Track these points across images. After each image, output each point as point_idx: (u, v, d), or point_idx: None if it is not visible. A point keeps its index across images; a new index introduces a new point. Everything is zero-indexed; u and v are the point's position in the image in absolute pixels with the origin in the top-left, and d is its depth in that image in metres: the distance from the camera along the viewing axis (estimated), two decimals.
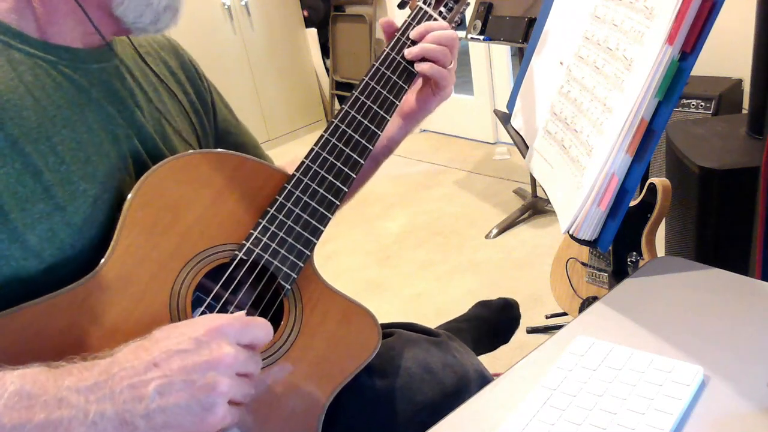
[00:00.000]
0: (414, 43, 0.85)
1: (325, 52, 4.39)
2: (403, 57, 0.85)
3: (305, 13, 4.21)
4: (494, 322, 1.36)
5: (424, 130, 4.01)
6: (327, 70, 4.42)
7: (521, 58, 2.01)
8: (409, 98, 0.93)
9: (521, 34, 2.27)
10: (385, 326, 0.91)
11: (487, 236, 2.61)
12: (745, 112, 1.71)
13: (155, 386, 0.55)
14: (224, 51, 3.81)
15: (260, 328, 0.63)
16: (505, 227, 2.62)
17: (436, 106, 0.93)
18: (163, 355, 0.57)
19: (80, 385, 0.54)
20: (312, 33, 4.30)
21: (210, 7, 3.71)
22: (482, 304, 1.41)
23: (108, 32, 0.73)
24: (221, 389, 0.57)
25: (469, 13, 2.57)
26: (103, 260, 0.65)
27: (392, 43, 0.86)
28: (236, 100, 4.16)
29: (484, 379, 0.87)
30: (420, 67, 0.84)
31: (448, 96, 0.91)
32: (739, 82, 2.15)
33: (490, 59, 3.44)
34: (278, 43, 4.09)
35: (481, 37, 2.42)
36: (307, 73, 4.33)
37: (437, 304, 2.22)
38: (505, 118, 1.11)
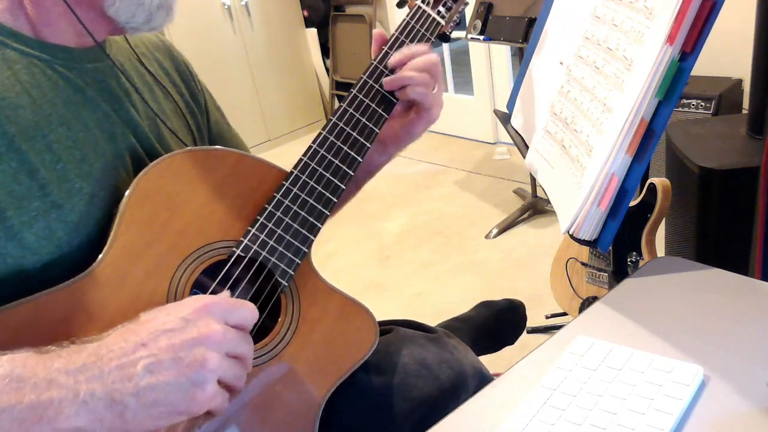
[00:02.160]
0: (392, 71, 0.83)
1: (325, 52, 4.38)
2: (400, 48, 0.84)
3: (305, 13, 4.21)
4: (495, 323, 1.35)
5: None
6: (327, 70, 4.42)
7: (521, 58, 2.01)
8: (393, 124, 0.89)
9: (521, 34, 2.27)
10: (382, 323, 0.91)
11: (487, 236, 2.61)
12: (745, 112, 1.70)
13: (144, 365, 0.56)
14: (224, 51, 3.81)
15: (246, 309, 0.63)
16: (505, 227, 2.62)
17: (423, 131, 0.90)
18: (151, 335, 0.57)
19: (69, 367, 0.55)
20: (312, 33, 4.30)
21: (210, 7, 3.71)
22: (485, 305, 1.40)
23: (102, 32, 0.73)
24: (210, 366, 0.57)
25: (469, 13, 2.57)
26: (99, 257, 0.65)
27: (395, 36, 0.85)
28: (236, 100, 4.19)
29: (481, 376, 0.87)
30: (401, 94, 0.83)
31: (435, 119, 0.88)
32: (739, 82, 2.15)
33: (490, 59, 3.44)
34: (278, 43, 4.09)
35: (481, 37, 2.42)
36: (307, 73, 4.33)
37: (437, 304, 2.22)
38: (505, 118, 1.11)
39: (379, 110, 0.82)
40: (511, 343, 1.38)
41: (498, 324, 1.35)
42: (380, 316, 0.83)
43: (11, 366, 0.53)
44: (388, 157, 0.93)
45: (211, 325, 0.59)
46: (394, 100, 0.84)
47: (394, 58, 0.83)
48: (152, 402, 0.55)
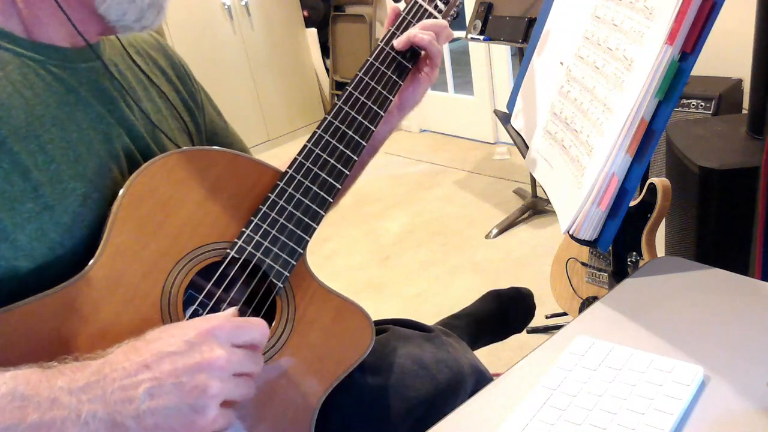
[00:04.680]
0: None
1: (325, 52, 4.39)
2: (396, 52, 0.84)
3: (305, 13, 4.21)
4: (500, 314, 1.36)
5: (424, 130, 4.01)
6: (327, 70, 4.42)
7: (521, 58, 2.01)
8: None
9: (521, 34, 2.27)
10: (378, 323, 0.91)
11: (487, 236, 2.61)
12: (745, 112, 1.71)
13: (145, 388, 0.55)
14: (224, 51, 3.81)
15: (255, 328, 0.62)
16: (505, 227, 2.62)
17: (423, 94, 0.91)
18: (155, 357, 0.57)
19: (72, 386, 0.54)
20: (312, 33, 4.30)
21: (210, 7, 3.71)
22: (492, 295, 1.41)
23: (94, 31, 0.73)
24: (211, 392, 0.57)
25: (469, 13, 2.57)
26: (92, 260, 0.65)
27: (386, 38, 0.85)
28: (236, 100, 4.20)
29: (479, 374, 0.87)
30: (410, 41, 0.83)
31: (434, 79, 0.90)
32: (739, 82, 2.15)
33: (490, 59, 3.44)
34: (278, 43, 4.09)
35: (481, 37, 2.42)
36: (307, 73, 4.33)
37: (437, 304, 2.22)
38: (505, 118, 1.11)
39: (375, 107, 0.82)
40: (519, 330, 1.39)
41: (504, 313, 1.36)
42: (380, 315, 0.82)
43: (14, 384, 0.53)
44: (390, 128, 0.94)
45: (215, 351, 0.58)
46: (390, 97, 0.83)
47: (399, 42, 0.84)
48: (152, 426, 0.55)
